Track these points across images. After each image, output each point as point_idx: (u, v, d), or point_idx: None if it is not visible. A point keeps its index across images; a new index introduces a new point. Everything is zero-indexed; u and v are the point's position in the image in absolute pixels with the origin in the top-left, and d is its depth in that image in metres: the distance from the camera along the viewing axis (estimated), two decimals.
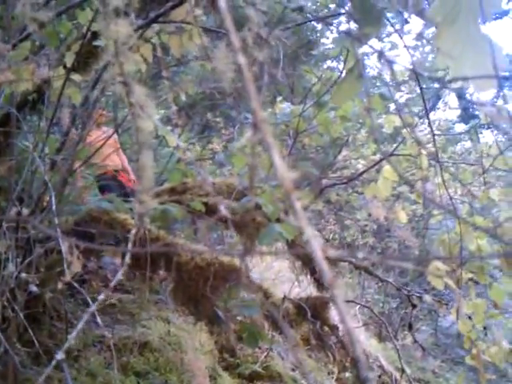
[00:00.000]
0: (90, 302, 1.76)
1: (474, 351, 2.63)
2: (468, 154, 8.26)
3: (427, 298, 3.31)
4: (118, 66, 0.66)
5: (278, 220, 2.64)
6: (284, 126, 3.83)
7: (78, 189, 2.85)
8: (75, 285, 1.93)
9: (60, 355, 0.62)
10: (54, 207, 1.65)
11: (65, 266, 1.41)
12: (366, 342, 5.35)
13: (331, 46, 11.58)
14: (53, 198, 1.75)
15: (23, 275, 1.90)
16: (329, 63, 11.22)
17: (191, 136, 8.68)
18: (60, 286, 1.52)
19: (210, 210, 2.90)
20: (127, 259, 0.67)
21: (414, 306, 3.37)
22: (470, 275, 2.71)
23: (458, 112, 16.36)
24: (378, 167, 4.82)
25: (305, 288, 3.66)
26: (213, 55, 0.73)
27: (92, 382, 2.46)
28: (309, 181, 4.20)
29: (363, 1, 0.86)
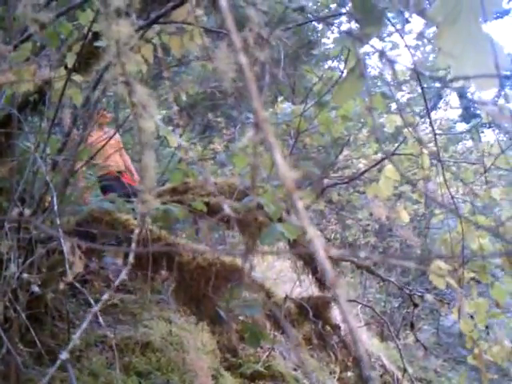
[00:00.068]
0: (93, 303, 1.76)
1: (476, 351, 2.62)
2: (469, 153, 8.25)
3: (429, 297, 3.31)
4: (120, 66, 0.66)
5: (280, 220, 2.64)
6: (285, 126, 3.83)
7: (79, 189, 2.85)
8: (77, 285, 1.93)
9: (64, 355, 0.62)
10: (55, 207, 1.65)
11: (67, 266, 1.41)
12: (368, 341, 5.35)
13: (332, 45, 11.58)
14: (54, 199, 1.76)
15: (25, 275, 1.91)
16: (329, 63, 11.21)
17: (192, 136, 8.69)
18: (62, 286, 1.52)
19: (212, 210, 2.90)
20: (131, 259, 0.67)
21: (416, 306, 3.37)
22: (472, 274, 2.71)
23: (460, 111, 16.35)
24: (380, 167, 4.82)
25: (306, 288, 3.66)
26: (214, 55, 0.73)
27: (94, 382, 2.46)
28: (310, 180, 4.19)
29: (364, 0, 0.86)
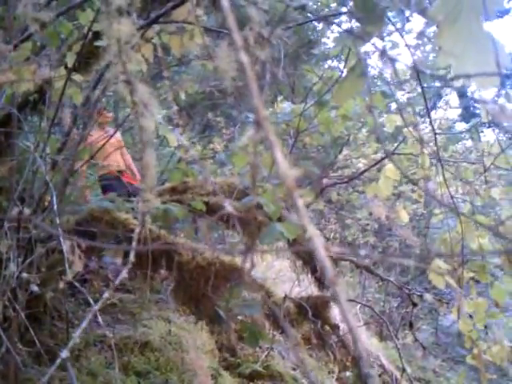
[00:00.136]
0: (92, 302, 1.76)
1: (476, 351, 2.62)
2: (469, 152, 8.25)
3: (428, 296, 3.31)
4: (121, 65, 0.66)
5: (280, 219, 2.64)
6: (285, 126, 3.83)
7: (79, 188, 2.85)
8: (76, 284, 1.93)
9: (65, 353, 0.62)
10: (55, 207, 1.65)
11: (66, 265, 1.41)
12: (366, 341, 5.35)
13: (332, 45, 11.59)
14: (54, 198, 1.76)
15: (24, 275, 1.90)
16: (329, 63, 11.22)
17: (192, 136, 8.68)
18: (61, 285, 1.52)
19: (211, 210, 2.90)
20: (131, 257, 0.67)
21: (415, 305, 3.37)
22: (472, 274, 2.71)
23: (459, 111, 16.36)
24: (379, 166, 4.82)
25: (306, 287, 3.66)
26: (215, 54, 0.73)
27: (93, 382, 2.46)
28: (310, 180, 4.19)
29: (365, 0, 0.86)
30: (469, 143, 9.82)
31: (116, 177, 4.18)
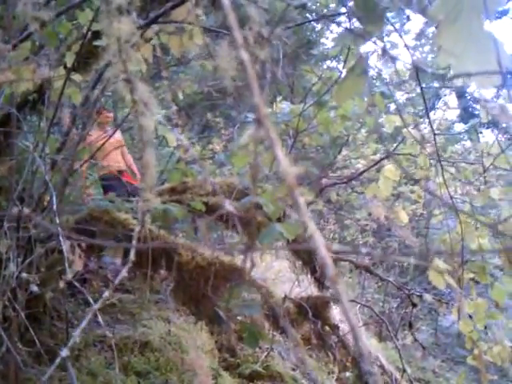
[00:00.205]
0: (92, 302, 1.76)
1: (476, 351, 2.62)
2: (468, 153, 8.26)
3: (428, 297, 3.31)
4: (121, 64, 0.66)
5: (279, 220, 2.64)
6: (284, 126, 3.83)
7: (79, 188, 2.85)
8: (76, 284, 1.92)
9: (65, 352, 0.62)
10: (54, 207, 1.65)
11: (66, 264, 1.41)
12: (366, 341, 5.34)
13: (331, 45, 11.60)
14: (54, 198, 1.75)
15: (24, 275, 1.90)
16: (328, 63, 11.23)
17: (191, 136, 8.69)
18: (61, 284, 1.52)
19: (211, 210, 2.90)
20: (132, 256, 0.67)
21: (415, 305, 3.37)
22: (471, 275, 2.71)
23: (458, 112, 16.38)
24: (378, 167, 4.83)
25: (305, 288, 3.66)
26: (215, 53, 0.73)
27: (93, 382, 2.46)
28: (309, 180, 4.19)
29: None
30: (467, 144, 9.83)
31: (116, 177, 4.18)
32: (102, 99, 4.07)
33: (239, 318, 3.00)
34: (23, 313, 1.87)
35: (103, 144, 2.85)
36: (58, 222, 1.61)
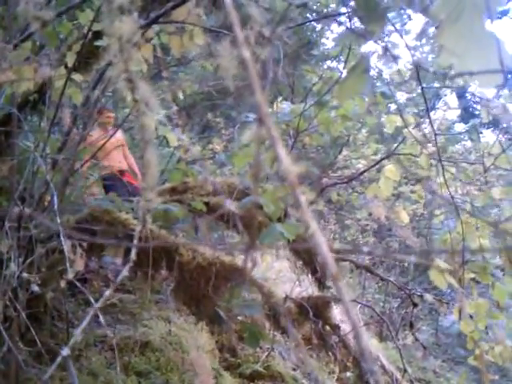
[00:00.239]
0: (93, 301, 1.76)
1: (478, 351, 2.62)
2: (468, 153, 8.26)
3: (428, 297, 3.31)
4: (123, 63, 0.66)
5: (280, 220, 2.64)
6: (285, 126, 3.83)
7: (79, 188, 2.85)
8: (77, 284, 1.93)
9: (66, 351, 0.62)
10: (55, 206, 1.65)
11: (67, 264, 1.41)
12: (367, 340, 5.33)
13: (331, 46, 11.61)
14: (55, 198, 1.75)
15: (25, 275, 1.90)
16: (329, 63, 11.24)
17: (191, 136, 8.69)
18: (62, 284, 1.52)
19: (211, 210, 2.90)
20: (133, 255, 0.67)
21: (415, 305, 3.37)
22: (472, 275, 2.71)
23: (458, 112, 16.38)
24: (379, 167, 4.83)
25: (306, 288, 3.66)
26: (216, 52, 0.73)
27: (93, 382, 2.46)
28: (310, 180, 4.19)
29: None
30: (468, 144, 9.82)
31: (118, 177, 4.18)
32: (103, 99, 4.07)
33: (240, 317, 3.00)
34: (24, 313, 1.87)
35: (104, 144, 2.85)
36: (59, 221, 1.61)
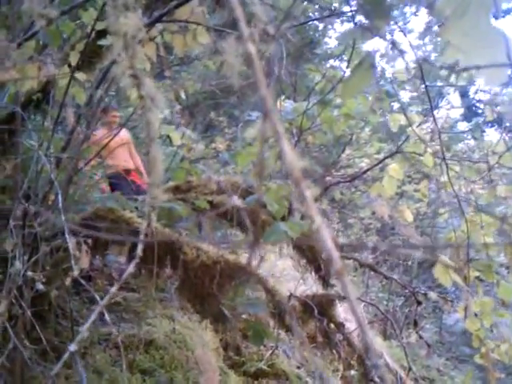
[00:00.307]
0: (98, 299, 1.76)
1: (484, 350, 2.61)
2: (472, 152, 8.25)
3: (432, 294, 3.31)
4: (128, 59, 0.66)
5: (283, 219, 2.64)
6: (288, 124, 3.83)
7: (83, 187, 2.86)
8: (82, 281, 1.93)
9: (73, 347, 0.62)
10: (60, 204, 1.65)
11: (72, 261, 1.41)
12: (372, 336, 5.33)
13: (334, 45, 11.61)
14: (59, 196, 1.76)
15: (29, 273, 1.91)
16: (332, 62, 11.24)
17: (194, 135, 8.70)
18: (67, 282, 1.53)
19: (215, 209, 2.90)
20: (139, 251, 0.67)
21: (419, 303, 3.37)
22: (477, 273, 2.70)
23: (461, 110, 16.36)
24: (382, 166, 4.82)
25: (310, 286, 3.66)
26: (221, 49, 0.73)
27: (98, 380, 2.47)
28: (313, 179, 4.19)
29: None
30: (471, 143, 9.80)
31: (123, 176, 4.20)
32: (106, 99, 4.08)
33: (244, 316, 3.00)
34: (29, 311, 1.88)
35: (108, 143, 2.86)
36: (63, 219, 1.62)
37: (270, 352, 3.51)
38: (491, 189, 3.16)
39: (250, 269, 2.11)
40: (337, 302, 3.21)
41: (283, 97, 4.72)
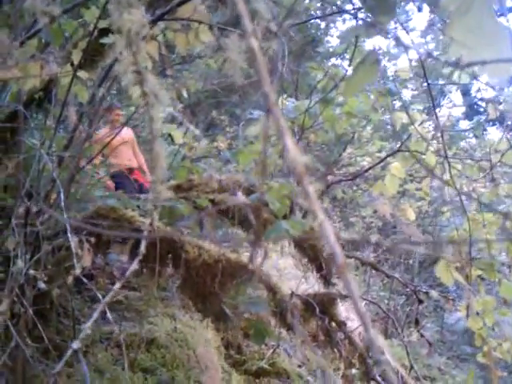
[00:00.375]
0: (100, 297, 1.76)
1: (486, 348, 2.61)
2: (473, 151, 8.24)
3: (434, 293, 3.30)
4: (131, 56, 0.66)
5: (285, 217, 2.64)
6: (289, 123, 3.82)
7: (84, 186, 2.86)
8: (84, 280, 1.93)
9: (76, 344, 0.62)
10: (62, 203, 1.65)
11: (74, 259, 1.41)
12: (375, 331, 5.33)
13: (335, 43, 11.60)
14: (62, 194, 1.76)
15: (31, 272, 1.91)
16: (333, 60, 11.23)
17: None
18: (69, 281, 1.53)
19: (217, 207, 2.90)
20: (142, 248, 0.67)
21: (421, 302, 3.36)
22: (479, 272, 2.69)
23: (463, 109, 16.34)
24: (384, 164, 4.82)
25: (312, 285, 3.65)
26: (225, 45, 0.73)
27: (100, 378, 2.47)
28: (314, 177, 4.19)
29: None
30: (473, 141, 9.79)
31: (125, 175, 4.21)
32: (108, 97, 4.08)
33: (245, 314, 3.00)
34: (31, 309, 1.88)
35: (110, 141, 2.86)
36: (65, 217, 1.61)
37: (272, 351, 3.51)
38: (493, 187, 3.15)
39: (251, 267, 2.11)
40: (338, 300, 3.20)
41: (285, 95, 4.72)
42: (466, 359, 7.83)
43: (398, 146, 3.97)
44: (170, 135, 4.70)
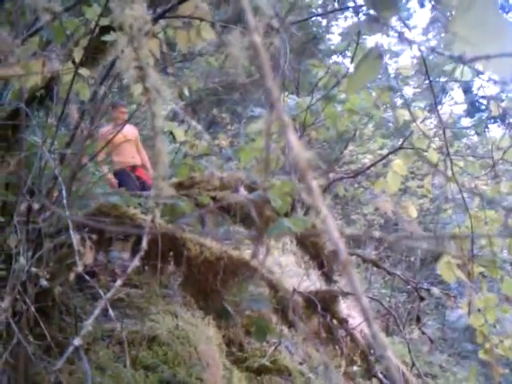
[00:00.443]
0: (102, 294, 1.76)
1: (488, 345, 2.61)
2: (475, 148, 8.23)
3: (435, 290, 3.30)
4: (134, 51, 0.65)
5: (286, 215, 2.64)
6: (292, 120, 3.81)
7: (86, 184, 2.86)
8: (86, 277, 1.93)
9: (77, 341, 0.62)
10: (64, 200, 1.65)
11: (76, 256, 1.42)
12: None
13: (337, 41, 11.59)
14: (63, 192, 1.76)
15: (33, 269, 1.91)
16: (335, 58, 11.22)
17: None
18: (71, 277, 1.53)
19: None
20: (144, 244, 0.67)
21: (422, 299, 3.36)
22: (481, 269, 2.69)
23: (464, 106, 16.32)
24: (385, 162, 4.81)
25: (313, 282, 3.65)
26: (227, 41, 0.73)
27: (101, 376, 2.47)
28: (316, 175, 4.19)
29: None
30: (474, 139, 9.78)
31: (128, 173, 4.21)
32: (110, 95, 4.08)
33: (247, 312, 3.00)
34: (33, 307, 1.88)
35: (112, 138, 2.86)
36: (67, 214, 1.62)
37: (273, 348, 3.51)
38: (495, 184, 3.15)
39: (253, 264, 2.11)
40: (340, 298, 3.21)
41: (286, 93, 4.72)
42: (467, 356, 7.84)
43: (399, 143, 3.96)
44: (171, 133, 4.70)
